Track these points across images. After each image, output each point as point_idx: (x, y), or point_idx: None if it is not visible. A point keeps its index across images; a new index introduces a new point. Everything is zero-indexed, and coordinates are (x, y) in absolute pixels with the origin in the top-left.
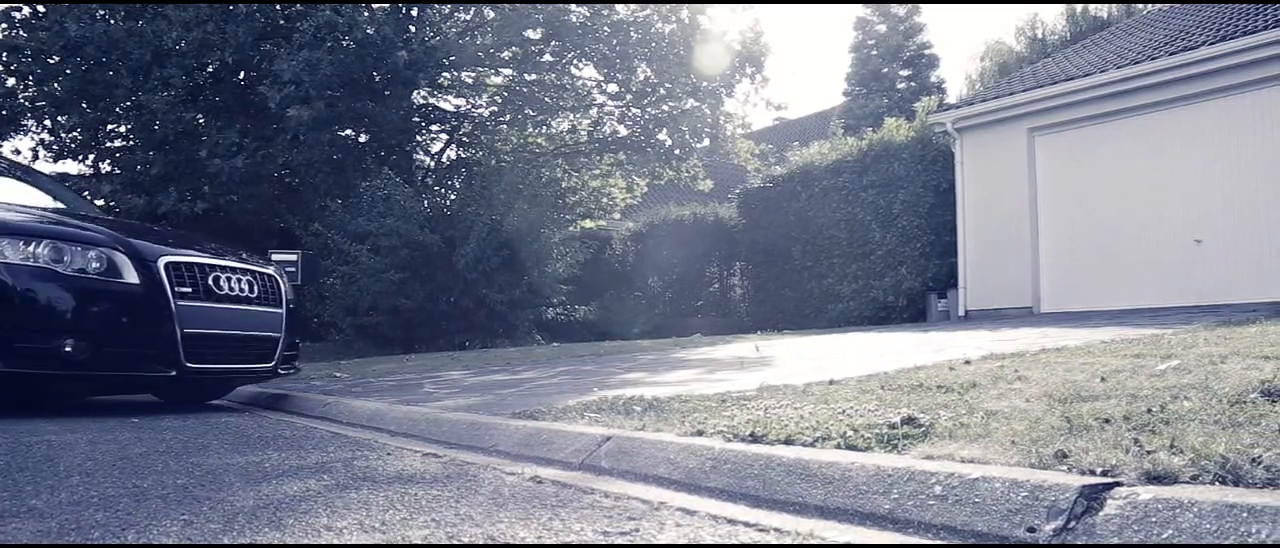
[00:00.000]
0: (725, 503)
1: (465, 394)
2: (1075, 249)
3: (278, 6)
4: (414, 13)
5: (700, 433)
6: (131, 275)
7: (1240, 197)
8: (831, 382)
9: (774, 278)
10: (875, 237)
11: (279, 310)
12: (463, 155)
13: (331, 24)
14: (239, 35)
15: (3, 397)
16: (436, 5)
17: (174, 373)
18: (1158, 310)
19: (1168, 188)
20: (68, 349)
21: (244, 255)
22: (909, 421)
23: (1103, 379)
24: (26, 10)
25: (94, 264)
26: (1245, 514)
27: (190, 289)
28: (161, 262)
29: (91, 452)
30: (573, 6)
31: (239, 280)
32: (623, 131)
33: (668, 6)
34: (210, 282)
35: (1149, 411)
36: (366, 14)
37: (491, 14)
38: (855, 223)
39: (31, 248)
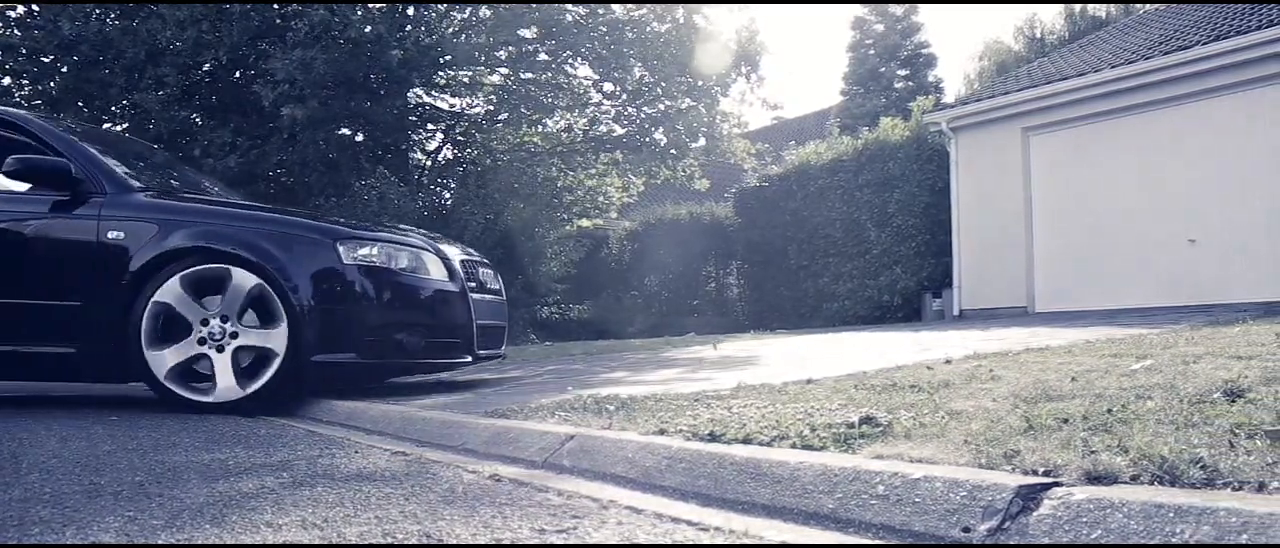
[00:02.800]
0: (675, 502)
1: (447, 392)
2: (1070, 249)
3: (274, 5)
4: (410, 11)
5: (662, 432)
6: (440, 272)
7: (1234, 196)
8: (809, 381)
9: (770, 277)
10: (871, 236)
11: (505, 299)
12: (459, 154)
13: (326, 23)
14: (233, 34)
15: (351, 384)
16: (432, 4)
17: (470, 359)
18: (1151, 310)
19: (1162, 188)
20: (403, 340)
21: (473, 251)
22: (867, 420)
23: (1073, 379)
24: (21, 9)
25: (410, 263)
26: (1172, 514)
27: (473, 284)
28: (457, 259)
29: (59, 449)
30: (568, 6)
31: (489, 274)
32: (619, 131)
33: (663, 6)
34: (480, 276)
35: (1109, 410)
36: (360, 13)
37: (487, 12)
38: (851, 222)
39: (366, 250)
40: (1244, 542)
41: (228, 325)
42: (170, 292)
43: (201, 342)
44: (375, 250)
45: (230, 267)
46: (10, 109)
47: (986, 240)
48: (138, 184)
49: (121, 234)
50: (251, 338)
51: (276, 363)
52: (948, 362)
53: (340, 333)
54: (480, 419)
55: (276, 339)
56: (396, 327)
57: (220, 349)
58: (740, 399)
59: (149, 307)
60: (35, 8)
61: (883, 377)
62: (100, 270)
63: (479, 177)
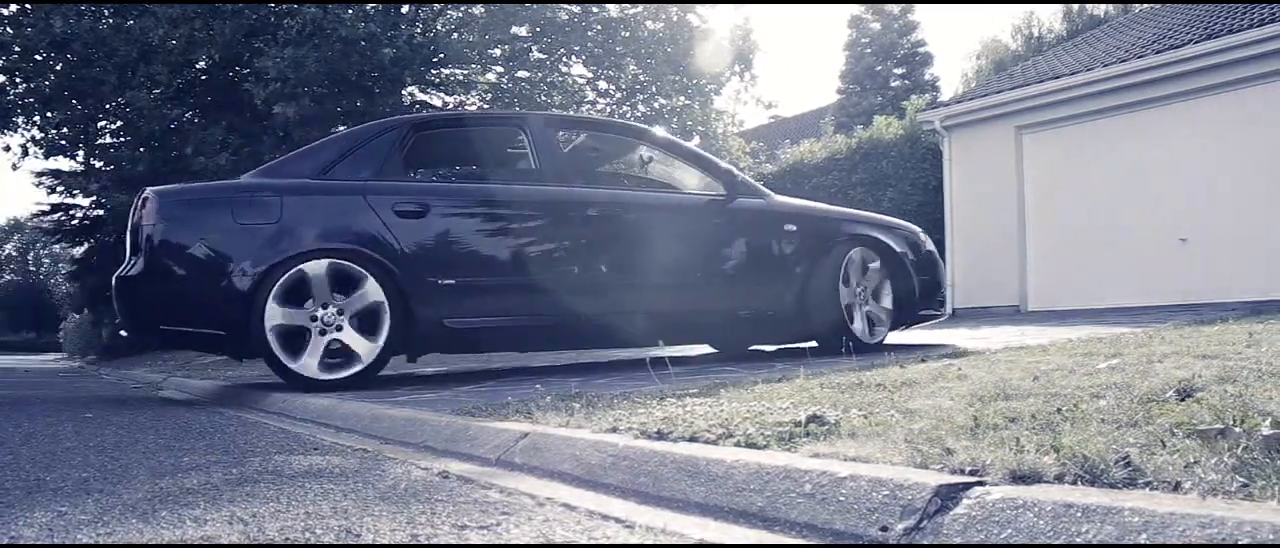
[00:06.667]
0: (612, 499)
1: (427, 389)
2: (1062, 247)
3: (269, 3)
4: (404, 10)
5: (614, 430)
6: (929, 246)
7: (1225, 195)
8: (780, 379)
9: None
10: None
11: None
12: None
13: (317, 21)
14: (226, 32)
15: (920, 325)
16: (427, 4)
17: (951, 314)
18: (1142, 309)
19: (1154, 186)
20: (943, 298)
21: None
22: (814, 418)
23: (1036, 379)
24: (14, 7)
25: (931, 245)
26: (1080, 514)
27: None
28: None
29: (19, 447)
30: (562, 5)
31: None
32: None
33: (656, 5)
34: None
35: (1059, 410)
36: (351, 12)
37: (480, 10)
38: None
39: (924, 236)
40: (1143, 541)
41: (861, 288)
42: (844, 266)
43: (851, 302)
44: (926, 237)
45: (864, 247)
46: (637, 123)
47: (980, 239)
48: (763, 187)
49: (794, 227)
50: (872, 289)
51: (890, 312)
52: (922, 361)
53: (926, 293)
54: (443, 416)
55: (887, 297)
56: (941, 289)
57: (864, 303)
58: (701, 398)
59: (838, 277)
60: (27, 6)
61: (852, 375)
62: (788, 251)
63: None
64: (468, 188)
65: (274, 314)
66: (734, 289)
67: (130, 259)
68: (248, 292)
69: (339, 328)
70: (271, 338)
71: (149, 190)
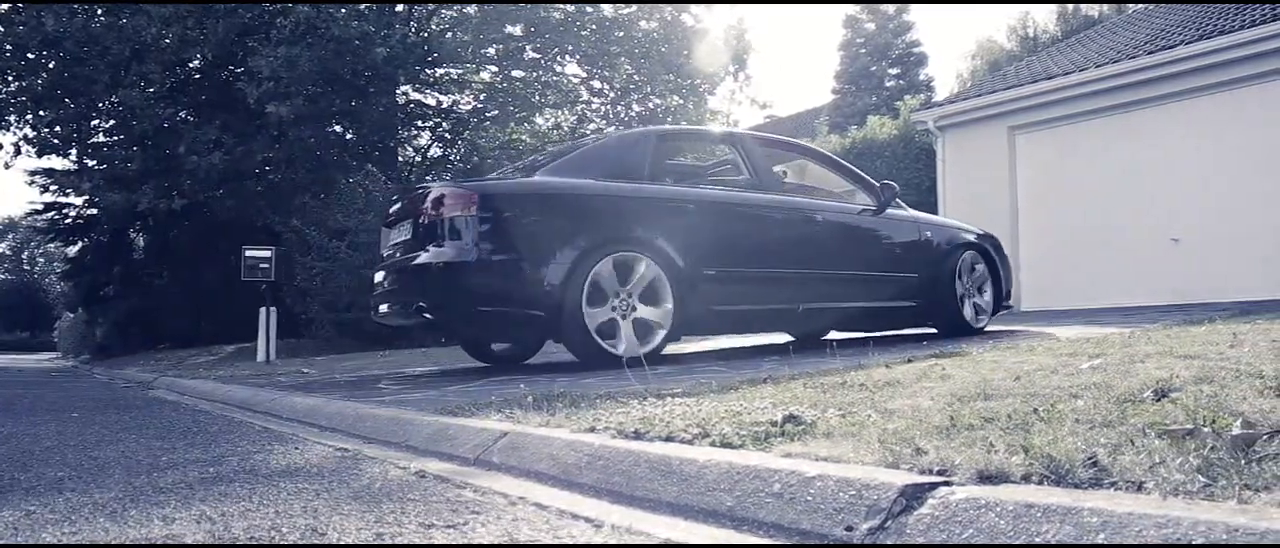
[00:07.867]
0: (585, 499)
1: (415, 388)
2: (1056, 247)
3: (264, 3)
4: (398, 9)
5: (592, 430)
6: (1005, 251)
7: (1217, 196)
8: (765, 379)
9: None
10: None
11: None
12: (448, 153)
13: (309, 21)
14: (219, 31)
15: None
16: (420, 3)
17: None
18: (1135, 309)
19: (1146, 187)
20: (1010, 294)
21: None
22: (791, 418)
23: (1017, 379)
24: (5, 5)
25: (1000, 247)
26: (1040, 515)
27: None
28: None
29: (1, 446)
30: (557, 4)
31: None
32: (608, 128)
33: (650, 5)
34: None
35: (1035, 410)
36: (344, 11)
37: (473, 10)
38: None
39: (987, 241)
40: (1100, 541)
41: (969, 285)
42: (959, 266)
43: (964, 295)
44: (985, 238)
45: (972, 251)
46: (809, 143)
47: None
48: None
49: (929, 234)
50: (977, 285)
51: (991, 304)
52: (909, 361)
53: (1006, 289)
54: (426, 416)
55: (987, 292)
56: (1011, 286)
57: (970, 296)
58: (684, 398)
59: (955, 275)
60: (20, 4)
61: (837, 375)
62: (923, 254)
63: (466, 175)
64: (721, 193)
65: (599, 277)
66: (890, 284)
67: (433, 250)
68: (565, 278)
69: (624, 316)
70: (584, 299)
71: (449, 187)
